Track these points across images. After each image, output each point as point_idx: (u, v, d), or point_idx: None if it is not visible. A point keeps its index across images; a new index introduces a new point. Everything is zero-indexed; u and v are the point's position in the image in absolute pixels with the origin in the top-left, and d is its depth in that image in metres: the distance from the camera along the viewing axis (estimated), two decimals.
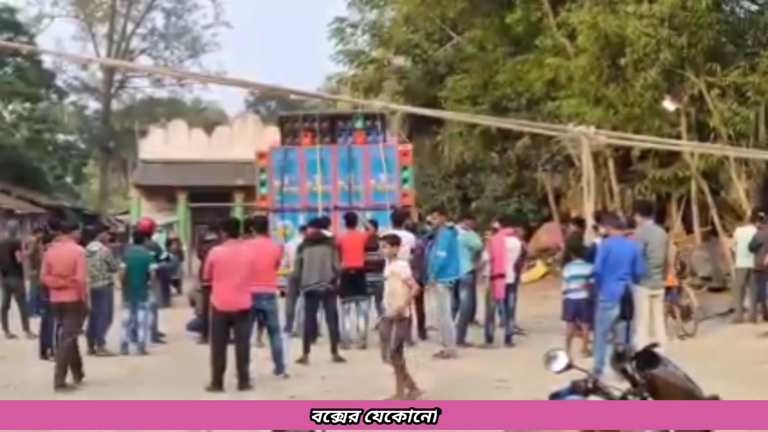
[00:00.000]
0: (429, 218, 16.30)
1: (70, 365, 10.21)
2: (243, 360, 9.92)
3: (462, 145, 24.75)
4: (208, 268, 10.18)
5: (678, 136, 18.22)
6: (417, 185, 23.15)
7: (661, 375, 3.83)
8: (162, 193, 29.14)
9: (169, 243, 21.06)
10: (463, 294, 13.01)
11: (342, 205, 19.65)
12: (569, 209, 23.14)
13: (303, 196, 20.66)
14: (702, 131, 18.80)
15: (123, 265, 12.76)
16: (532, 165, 24.55)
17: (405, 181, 20.98)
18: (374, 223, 14.23)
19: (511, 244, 13.19)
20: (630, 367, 3.93)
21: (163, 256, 15.36)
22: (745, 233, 14.92)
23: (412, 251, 13.02)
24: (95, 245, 12.75)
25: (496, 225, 14.23)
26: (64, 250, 10.57)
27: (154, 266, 13.29)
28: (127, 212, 34.39)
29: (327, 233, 12.61)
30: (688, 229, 19.59)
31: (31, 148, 38.16)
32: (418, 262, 13.07)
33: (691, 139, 18.21)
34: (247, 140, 27.58)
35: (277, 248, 12.03)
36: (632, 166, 20.91)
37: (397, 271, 9.35)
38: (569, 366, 4.11)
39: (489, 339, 12.94)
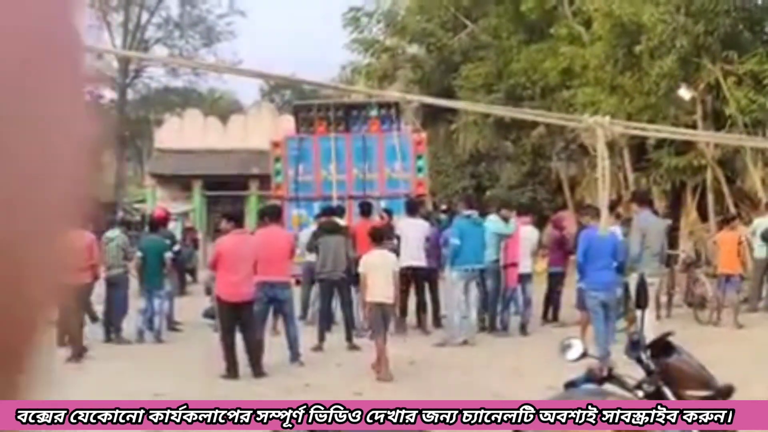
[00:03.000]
0: (443, 207, 16.31)
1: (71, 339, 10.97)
2: (253, 349, 9.98)
3: (476, 133, 24.72)
4: (214, 258, 10.23)
5: (694, 125, 18.16)
6: (431, 174, 23.14)
7: (675, 363, 3.85)
8: (177, 182, 29.23)
9: (184, 232, 21.13)
10: (489, 283, 12.95)
11: (356, 194, 19.67)
12: (584, 198, 23.09)
13: (318, 184, 20.69)
14: (718, 119, 18.72)
15: (139, 253, 12.84)
16: (546, 154, 24.51)
17: (419, 169, 20.97)
18: (388, 213, 14.25)
19: (527, 233, 13.17)
20: (644, 355, 3.94)
21: (177, 248, 15.37)
22: (763, 223, 14.86)
23: (427, 240, 13.07)
24: (114, 232, 12.90)
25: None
26: (79, 237, 10.82)
27: (169, 255, 13.35)
28: (142, 201, 34.50)
29: (341, 222, 12.64)
30: (704, 218, 19.48)
31: None
32: (433, 250, 13.15)
33: (707, 128, 18.15)
34: (262, 129, 27.61)
35: (291, 237, 12.06)
36: (647, 155, 20.84)
37: (391, 262, 10.18)
38: (584, 354, 4.13)
39: (504, 327, 12.97)
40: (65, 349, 11.37)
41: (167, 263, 13.13)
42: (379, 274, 9.98)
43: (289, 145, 21.14)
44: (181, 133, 30.19)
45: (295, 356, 10.62)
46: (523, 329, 12.87)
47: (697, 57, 18.12)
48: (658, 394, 3.77)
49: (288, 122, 25.05)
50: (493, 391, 8.70)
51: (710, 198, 19.31)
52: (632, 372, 4.02)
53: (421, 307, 13.25)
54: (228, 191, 27.86)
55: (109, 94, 51.67)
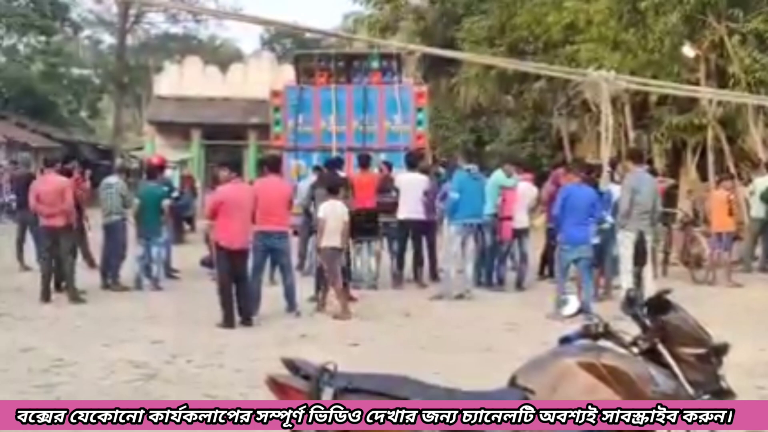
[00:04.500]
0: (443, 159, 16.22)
1: (66, 285, 11.47)
2: (244, 297, 10.02)
3: (477, 88, 24.58)
4: (214, 206, 10.15)
5: (697, 83, 18.05)
6: (431, 127, 23.08)
7: (671, 321, 3.86)
8: (176, 130, 29.09)
9: (182, 180, 21.10)
10: (487, 237, 12.91)
11: (356, 146, 19.62)
12: (584, 154, 23.04)
13: (317, 135, 20.62)
14: (722, 78, 18.60)
15: (137, 200, 12.83)
16: (547, 109, 24.40)
17: (420, 122, 20.89)
18: (388, 165, 14.23)
19: (525, 189, 13.16)
20: (641, 312, 3.96)
21: (175, 194, 15.37)
22: (761, 183, 14.86)
23: (425, 194, 13.05)
24: (113, 178, 12.92)
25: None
26: (50, 183, 11.66)
27: (167, 202, 13.33)
28: (141, 148, 34.43)
29: (341, 174, 12.61)
30: (704, 177, 19.42)
31: (46, 81, 38.06)
32: (432, 204, 13.14)
33: (710, 86, 18.05)
34: (262, 78, 27.41)
35: (290, 188, 12.02)
36: (649, 112, 20.73)
37: (342, 212, 10.72)
38: (580, 310, 4.15)
39: (500, 281, 13.03)
40: (62, 295, 11.52)
41: (165, 211, 13.12)
42: (333, 222, 10.61)
43: (289, 95, 21.02)
44: (181, 81, 30.00)
45: (291, 306, 10.67)
46: (519, 284, 12.90)
47: (702, 14, 17.95)
48: (653, 351, 3.79)
49: (288, 72, 24.88)
50: (486, 345, 8.78)
51: (710, 157, 19.25)
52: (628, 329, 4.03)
53: (418, 261, 13.28)
54: (227, 140, 27.77)
55: (108, 40, 51.32)
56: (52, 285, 11.60)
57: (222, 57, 40.15)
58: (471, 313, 10.85)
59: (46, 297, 11.35)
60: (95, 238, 13.48)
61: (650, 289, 9.64)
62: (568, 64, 18.73)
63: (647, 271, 10.97)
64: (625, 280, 10.60)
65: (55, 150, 31.42)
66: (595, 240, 11.60)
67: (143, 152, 31.62)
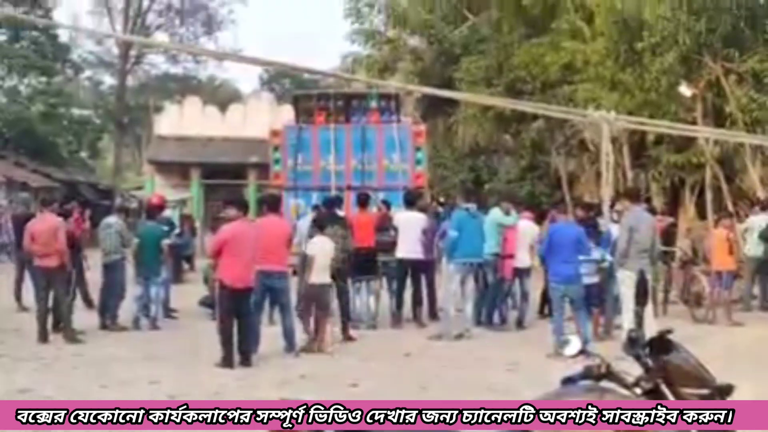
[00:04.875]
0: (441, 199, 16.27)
1: (63, 326, 11.45)
2: (246, 337, 9.97)
3: (476, 127, 24.67)
4: (218, 245, 10.11)
5: (694, 122, 18.15)
6: (430, 166, 23.12)
7: (674, 361, 3.84)
8: (176, 170, 29.19)
9: (182, 219, 21.10)
10: (489, 276, 12.89)
11: (355, 185, 19.65)
12: (582, 193, 23.09)
13: (316, 174, 20.66)
14: (718, 117, 18.72)
15: (136, 240, 12.82)
16: (545, 148, 24.49)
17: (418, 161, 20.94)
18: (387, 204, 14.24)
19: (526, 227, 13.16)
20: (643, 352, 3.93)
21: (176, 231, 15.36)
22: (757, 222, 14.88)
23: (424, 232, 13.04)
24: (112, 218, 12.95)
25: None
26: (45, 222, 11.76)
27: (167, 241, 13.32)
28: (140, 188, 34.51)
29: (339, 213, 12.61)
30: (702, 216, 19.42)
31: (46, 122, 38.21)
32: (431, 243, 13.11)
33: (707, 125, 18.15)
34: (261, 118, 27.57)
35: (289, 227, 11.97)
36: (647, 151, 20.82)
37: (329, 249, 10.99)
38: (582, 351, 4.12)
39: (502, 320, 12.97)
40: (60, 335, 11.46)
41: (164, 250, 13.11)
42: (322, 258, 10.82)
43: (288, 135, 21.10)
44: (181, 121, 30.16)
45: (290, 347, 10.60)
46: (519, 323, 12.85)
47: (698, 54, 18.11)
48: (656, 392, 3.76)
49: (287, 112, 25.01)
50: (488, 386, 8.71)
51: (708, 196, 19.29)
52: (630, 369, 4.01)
53: (417, 300, 13.24)
54: (226, 180, 27.84)
55: (109, 80, 51.66)
56: (49, 325, 11.54)
57: (221, 97, 40.41)
58: (471, 353, 10.79)
59: (43, 338, 11.29)
60: (94, 278, 13.44)
61: (651, 328, 9.59)
62: (565, 104, 18.86)
63: (648, 310, 10.92)
64: (626, 319, 10.51)
65: (54, 190, 31.47)
66: (595, 279, 11.60)
67: (143, 192, 31.68)
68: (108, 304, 12.55)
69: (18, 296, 14.40)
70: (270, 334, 10.85)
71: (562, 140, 23.50)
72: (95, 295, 13.31)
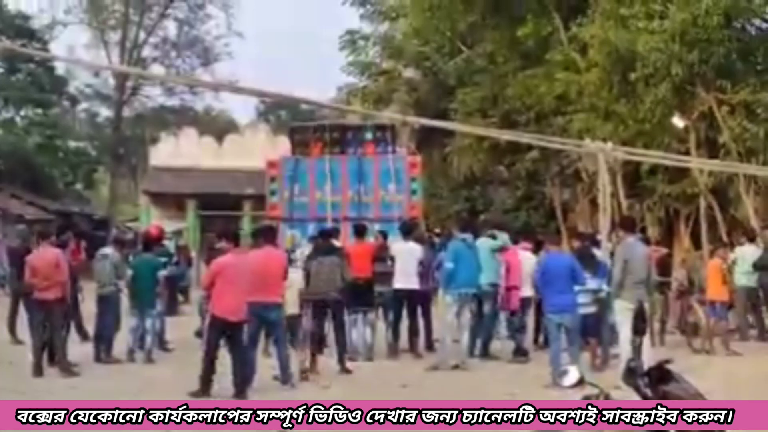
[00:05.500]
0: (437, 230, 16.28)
1: (58, 358, 11.38)
2: (241, 370, 9.92)
3: (471, 157, 24.75)
4: (211, 277, 10.15)
5: (687, 153, 18.25)
6: (425, 197, 23.14)
7: (673, 391, 3.84)
8: (171, 201, 29.20)
9: (178, 250, 21.07)
10: (486, 307, 12.91)
11: (351, 216, 19.65)
12: (577, 223, 23.13)
13: (312, 205, 20.66)
14: (712, 147, 18.81)
15: (130, 271, 12.79)
16: (541, 179, 24.57)
17: (414, 192, 20.97)
18: (383, 234, 14.24)
19: (526, 258, 13.16)
20: (642, 382, 3.93)
21: (174, 260, 15.31)
22: (744, 252, 14.93)
23: (421, 263, 13.04)
24: (107, 250, 12.91)
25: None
26: (45, 255, 11.66)
27: (162, 273, 13.30)
28: (136, 219, 34.48)
29: (336, 243, 12.63)
30: (697, 246, 19.45)
31: (42, 153, 38.24)
32: (427, 273, 13.10)
33: (701, 156, 18.24)
34: (257, 149, 27.61)
35: (285, 259, 11.89)
36: (641, 182, 20.90)
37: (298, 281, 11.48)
38: (581, 381, 4.12)
39: (523, 353, 12.85)
40: (54, 368, 11.40)
41: (160, 282, 13.07)
42: (291, 290, 11.10)
43: (285, 166, 21.12)
44: (176, 152, 30.22)
45: (285, 378, 10.56)
46: (516, 353, 12.81)
47: (691, 85, 18.24)
48: None
49: (284, 143, 25.07)
50: None
51: (703, 226, 19.34)
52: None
53: (413, 331, 13.20)
54: (222, 210, 27.84)
55: (105, 112, 51.77)
56: (44, 359, 11.48)
57: (217, 128, 40.47)
58: (468, 383, 10.75)
59: (38, 371, 11.23)
60: (88, 309, 13.39)
61: (648, 358, 9.57)
62: (560, 135, 18.94)
63: (645, 340, 10.89)
64: (624, 350, 10.46)
65: (49, 222, 31.43)
66: (592, 309, 11.59)
67: (138, 223, 31.65)
68: (102, 336, 12.49)
69: (12, 329, 14.32)
70: (265, 365, 10.80)
71: (557, 170, 23.58)
72: (90, 327, 13.25)
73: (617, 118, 18.90)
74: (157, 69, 46.07)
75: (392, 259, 13.02)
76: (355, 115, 25.35)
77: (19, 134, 38.30)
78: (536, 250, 13.65)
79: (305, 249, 13.72)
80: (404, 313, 13.09)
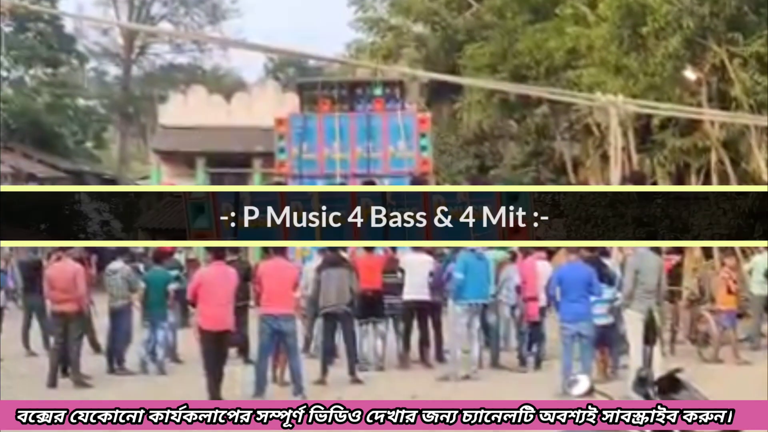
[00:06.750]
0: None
1: (72, 369, 11.60)
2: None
3: (480, 113, 24.58)
4: (193, 290, 10.31)
5: (699, 106, 18.11)
6: (435, 153, 23.13)
7: (683, 400, 3.83)
8: (181, 159, 29.16)
9: (188, 263, 20.96)
10: (492, 318, 12.94)
11: (360, 172, 19.69)
12: (587, 178, 23.08)
13: (321, 162, 20.72)
14: (723, 101, 18.65)
15: (142, 284, 12.85)
16: (550, 134, 24.45)
17: (423, 148, 20.98)
18: (392, 247, 14.17)
19: (542, 267, 13.11)
20: (652, 391, 3.92)
21: (184, 272, 15.26)
22: (759, 261, 14.90)
23: (431, 274, 13.03)
24: (118, 264, 12.97)
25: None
26: (64, 269, 11.81)
27: (173, 286, 13.30)
28: (146, 177, 34.53)
29: (344, 255, 12.51)
30: (708, 255, 19.12)
31: (52, 113, 38.22)
32: (437, 284, 13.04)
33: (712, 109, 18.09)
34: (266, 107, 27.48)
35: (295, 270, 11.89)
36: (652, 136, 20.78)
37: None
38: (591, 390, 4.10)
39: (537, 363, 12.93)
40: (66, 379, 11.59)
41: (170, 295, 13.14)
42: None
43: (293, 123, 21.14)
44: (185, 110, 30.12)
45: (298, 390, 10.59)
46: (523, 363, 12.87)
47: (702, 38, 18.01)
48: None
49: (292, 100, 25.00)
50: None
51: (714, 180, 19.20)
52: None
53: (424, 341, 13.23)
54: (232, 168, 27.86)
55: (113, 71, 51.67)
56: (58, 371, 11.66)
57: (226, 86, 40.31)
58: (479, 393, 10.61)
59: (52, 382, 11.42)
60: (101, 322, 13.44)
61: (659, 367, 9.51)
62: (570, 89, 18.80)
63: (655, 349, 10.81)
64: (634, 359, 10.36)
65: (60, 180, 31.55)
66: (610, 319, 11.64)
67: (149, 181, 31.71)
68: (115, 348, 12.64)
69: (26, 342, 14.43)
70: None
71: (567, 125, 23.46)
72: (102, 339, 13.34)
73: (628, 72, 18.70)
74: (165, 26, 45.86)
75: (402, 271, 13.00)
76: (364, 71, 25.18)
77: (28, 94, 38.27)
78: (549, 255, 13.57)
79: (311, 265, 13.61)
80: (415, 324, 13.13)
